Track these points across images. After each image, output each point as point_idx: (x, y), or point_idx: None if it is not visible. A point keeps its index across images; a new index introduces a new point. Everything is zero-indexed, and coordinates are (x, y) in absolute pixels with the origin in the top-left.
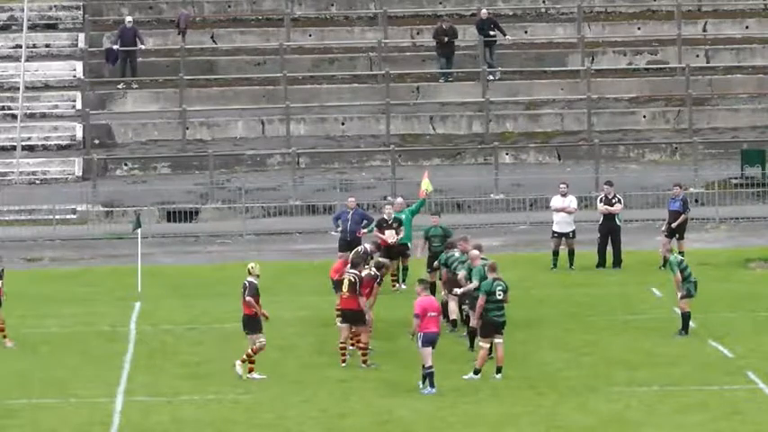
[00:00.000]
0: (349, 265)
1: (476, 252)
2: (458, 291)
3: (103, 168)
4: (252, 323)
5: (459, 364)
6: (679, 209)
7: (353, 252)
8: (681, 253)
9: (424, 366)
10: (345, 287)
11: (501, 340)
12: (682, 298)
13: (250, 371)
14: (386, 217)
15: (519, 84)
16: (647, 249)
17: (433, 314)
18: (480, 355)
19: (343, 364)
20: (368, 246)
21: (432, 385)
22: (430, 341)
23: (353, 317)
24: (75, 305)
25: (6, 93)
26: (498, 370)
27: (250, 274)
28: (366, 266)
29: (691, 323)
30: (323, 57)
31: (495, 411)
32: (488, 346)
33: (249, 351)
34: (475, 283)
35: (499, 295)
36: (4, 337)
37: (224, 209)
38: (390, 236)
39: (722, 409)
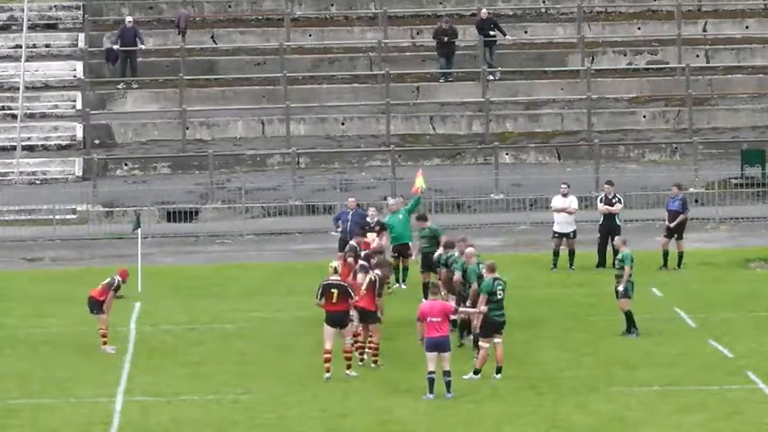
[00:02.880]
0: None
1: (471, 249)
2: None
3: (103, 168)
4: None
5: (458, 364)
6: (678, 209)
7: (362, 251)
8: (681, 253)
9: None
10: (365, 285)
11: (500, 340)
12: (623, 296)
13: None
14: (368, 219)
15: (519, 84)
16: (648, 249)
17: (434, 319)
18: (481, 355)
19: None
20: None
21: (430, 391)
22: (431, 346)
23: (369, 316)
24: (76, 305)
25: (6, 93)
26: (498, 370)
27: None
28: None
29: (691, 323)
30: (323, 57)
31: (495, 411)
32: (488, 345)
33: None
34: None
35: (500, 294)
36: (104, 343)
37: (224, 209)
38: (372, 239)
39: (722, 409)
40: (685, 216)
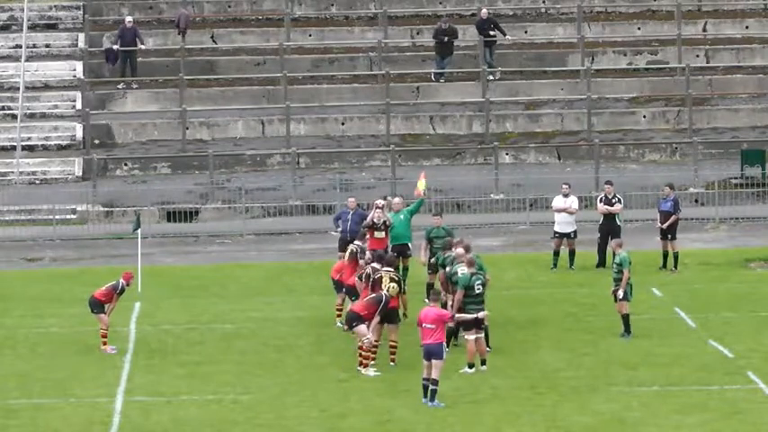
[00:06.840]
0: (381, 264)
1: (460, 251)
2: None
3: (103, 168)
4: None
5: (457, 364)
6: (670, 209)
7: (360, 253)
8: (675, 253)
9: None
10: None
11: (482, 335)
12: (622, 299)
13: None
14: (375, 220)
15: (519, 84)
16: (647, 249)
17: (428, 326)
18: (468, 348)
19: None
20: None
21: (425, 396)
22: (425, 353)
23: (393, 315)
24: (76, 305)
25: (6, 93)
26: (483, 362)
27: None
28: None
29: (691, 323)
30: (323, 57)
31: (495, 411)
32: (473, 338)
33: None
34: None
35: (478, 289)
36: (104, 343)
37: (224, 209)
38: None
39: (722, 409)
40: (677, 216)
